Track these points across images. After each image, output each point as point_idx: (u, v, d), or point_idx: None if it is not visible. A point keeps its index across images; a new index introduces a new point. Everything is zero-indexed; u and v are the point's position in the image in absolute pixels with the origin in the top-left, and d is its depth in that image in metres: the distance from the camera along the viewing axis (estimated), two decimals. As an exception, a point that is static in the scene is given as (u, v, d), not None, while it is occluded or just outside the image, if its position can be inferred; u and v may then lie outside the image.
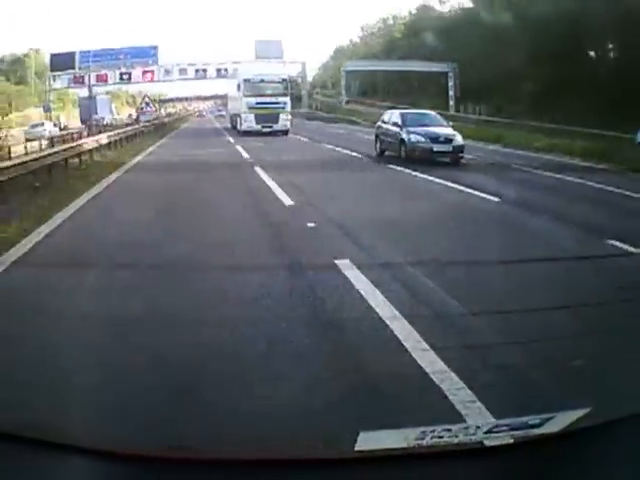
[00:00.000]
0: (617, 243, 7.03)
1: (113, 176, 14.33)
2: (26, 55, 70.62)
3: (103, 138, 20.45)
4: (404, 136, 19.04)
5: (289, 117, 35.18)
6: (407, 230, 7.95)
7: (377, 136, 21.64)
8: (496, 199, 10.47)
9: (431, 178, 13.65)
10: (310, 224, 8.17)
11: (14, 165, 11.77)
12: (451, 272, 6.16)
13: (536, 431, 1.60)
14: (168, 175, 15.04)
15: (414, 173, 14.57)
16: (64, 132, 34.37)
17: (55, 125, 40.72)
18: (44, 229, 7.94)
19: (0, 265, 6.08)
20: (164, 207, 9.84)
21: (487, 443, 1.55)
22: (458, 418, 2.98)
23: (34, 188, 11.47)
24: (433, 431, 1.56)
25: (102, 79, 46.85)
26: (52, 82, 49.90)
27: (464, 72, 46.43)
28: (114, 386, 3.57)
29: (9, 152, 16.19)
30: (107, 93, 61.68)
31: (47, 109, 48.96)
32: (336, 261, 6.13)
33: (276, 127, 33.37)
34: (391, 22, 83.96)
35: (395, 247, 7.02)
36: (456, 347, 4.22)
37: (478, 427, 1.64)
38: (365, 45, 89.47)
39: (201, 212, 9.69)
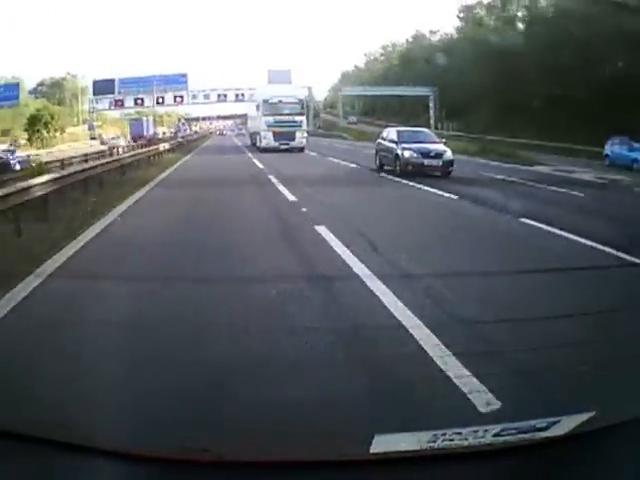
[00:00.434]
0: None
1: (180, 161, 26.09)
2: (64, 79, 76.44)
3: (166, 145, 29.40)
4: (399, 152, 20.05)
5: (305, 135, 36.61)
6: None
7: (377, 152, 22.92)
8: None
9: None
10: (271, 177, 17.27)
11: (134, 155, 21.30)
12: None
13: (543, 434, 1.65)
14: (209, 161, 27.90)
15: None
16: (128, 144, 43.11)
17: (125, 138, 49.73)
18: (164, 175, 18.50)
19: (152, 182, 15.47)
20: (210, 169, 22.66)
21: (496, 445, 1.62)
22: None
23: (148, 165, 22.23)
24: (444, 434, 1.63)
25: (140, 102, 55.12)
26: (95, 104, 58.19)
27: (446, 94, 52.00)
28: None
29: (118, 152, 25.70)
30: (137, 113, 69.52)
31: (91, 127, 57.03)
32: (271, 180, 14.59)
33: (292, 144, 34.74)
34: (390, 49, 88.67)
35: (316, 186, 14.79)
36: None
37: (487, 430, 1.69)
38: (368, 70, 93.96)
39: (228, 171, 21.24)
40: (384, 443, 1.65)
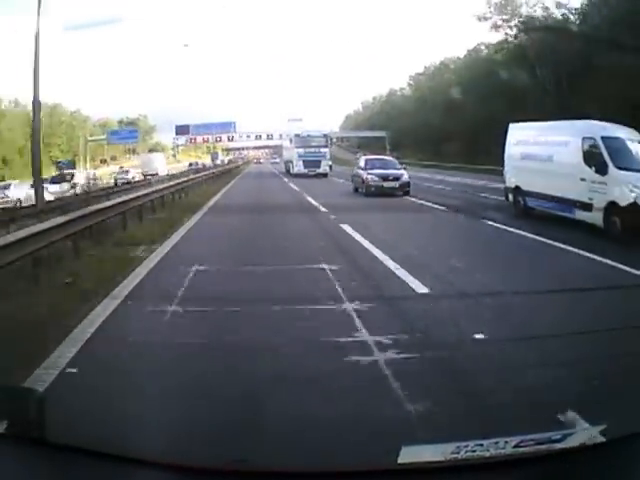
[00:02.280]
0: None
1: (246, 170, 48.91)
2: (137, 119, 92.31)
3: (239, 164, 54.19)
4: (364, 176, 21.57)
5: (329, 163, 39.58)
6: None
7: (352, 177, 24.25)
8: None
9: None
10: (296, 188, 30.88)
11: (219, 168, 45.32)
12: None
13: (558, 445, 1.64)
14: (254, 175, 48.09)
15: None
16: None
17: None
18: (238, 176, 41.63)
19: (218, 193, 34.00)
20: (255, 176, 45.09)
21: (515, 456, 1.60)
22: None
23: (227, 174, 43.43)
24: (467, 445, 1.61)
25: (205, 140, 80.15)
26: (176, 140, 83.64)
27: (395, 134, 69.86)
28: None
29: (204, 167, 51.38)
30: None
31: (174, 155, 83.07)
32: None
33: (319, 170, 37.80)
34: (378, 99, 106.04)
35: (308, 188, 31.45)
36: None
37: (507, 442, 1.65)
38: (363, 114, 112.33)
39: (263, 175, 44.46)
40: (411, 454, 1.61)
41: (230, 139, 78.76)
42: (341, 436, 3.01)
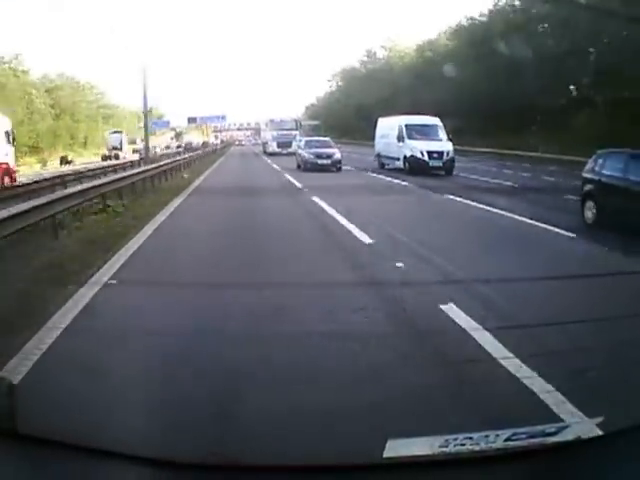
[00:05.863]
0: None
1: (231, 148, 52.97)
2: (150, 110, 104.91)
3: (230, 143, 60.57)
4: (302, 154, 20.78)
5: (298, 144, 31.51)
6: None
7: (296, 156, 22.66)
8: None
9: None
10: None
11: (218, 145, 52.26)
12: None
13: (552, 439, 1.31)
14: (238, 152, 48.66)
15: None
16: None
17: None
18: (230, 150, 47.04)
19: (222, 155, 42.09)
20: (239, 153, 45.78)
21: (506, 450, 1.27)
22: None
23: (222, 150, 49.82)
24: (456, 439, 1.27)
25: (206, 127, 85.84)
26: (189, 125, 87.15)
27: (326, 121, 73.89)
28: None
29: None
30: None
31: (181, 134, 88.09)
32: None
33: (290, 150, 32.67)
34: (327, 94, 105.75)
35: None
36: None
37: (498, 435, 1.31)
38: (317, 106, 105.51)
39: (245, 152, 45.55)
40: (397, 448, 1.26)
41: (222, 126, 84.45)
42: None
